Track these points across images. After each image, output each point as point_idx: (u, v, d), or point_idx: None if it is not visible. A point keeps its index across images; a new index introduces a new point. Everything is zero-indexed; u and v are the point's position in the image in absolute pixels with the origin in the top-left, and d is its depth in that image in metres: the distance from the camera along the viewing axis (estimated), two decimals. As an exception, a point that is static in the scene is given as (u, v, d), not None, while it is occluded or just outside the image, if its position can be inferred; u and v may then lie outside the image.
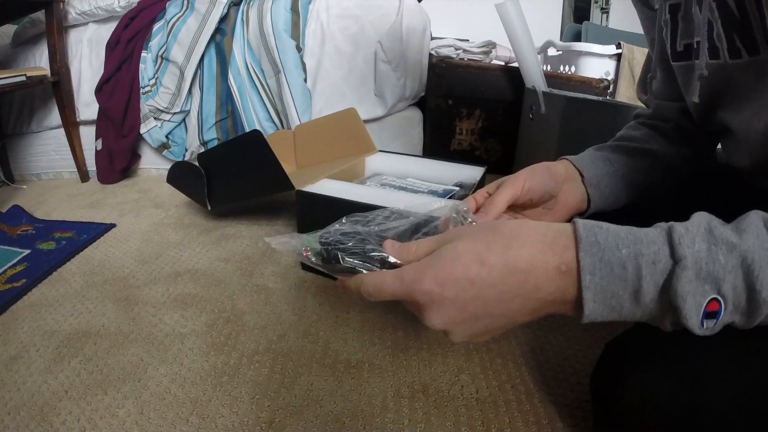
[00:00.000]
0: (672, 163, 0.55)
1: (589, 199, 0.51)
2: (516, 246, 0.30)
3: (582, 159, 0.53)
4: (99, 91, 1.26)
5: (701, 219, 0.29)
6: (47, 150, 1.36)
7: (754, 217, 0.29)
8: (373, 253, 0.36)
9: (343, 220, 0.41)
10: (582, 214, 0.52)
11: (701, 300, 0.28)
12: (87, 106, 1.30)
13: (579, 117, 1.04)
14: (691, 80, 0.46)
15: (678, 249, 0.28)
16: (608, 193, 0.53)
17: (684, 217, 0.31)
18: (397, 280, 0.33)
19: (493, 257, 0.30)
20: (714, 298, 0.28)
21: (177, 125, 1.33)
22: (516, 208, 0.50)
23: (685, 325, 0.28)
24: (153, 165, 1.39)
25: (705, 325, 0.28)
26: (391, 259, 0.35)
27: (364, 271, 0.36)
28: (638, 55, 1.57)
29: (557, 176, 0.50)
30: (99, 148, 1.29)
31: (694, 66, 0.45)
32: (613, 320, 0.30)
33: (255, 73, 1.26)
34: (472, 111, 1.37)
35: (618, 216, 0.43)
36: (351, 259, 0.37)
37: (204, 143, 1.33)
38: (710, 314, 0.28)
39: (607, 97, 1.31)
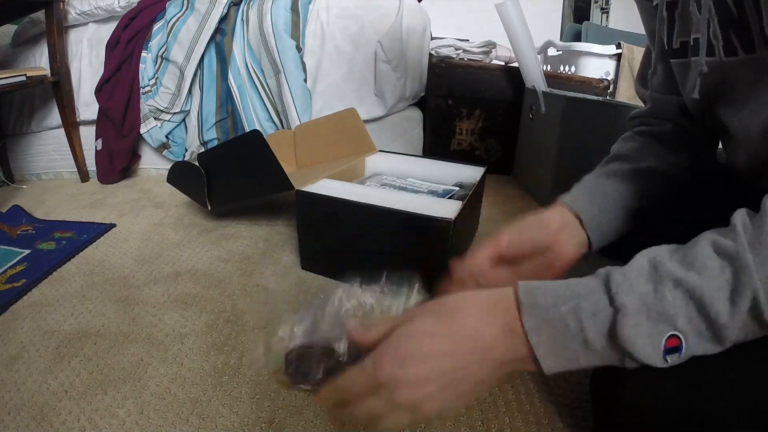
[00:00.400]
0: (670, 174, 0.53)
1: (590, 243, 0.49)
2: (460, 316, 0.32)
3: (578, 200, 0.51)
4: (99, 91, 1.26)
5: (643, 259, 0.30)
6: (47, 150, 1.36)
7: (704, 243, 0.30)
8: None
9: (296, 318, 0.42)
10: (585, 256, 0.50)
11: (658, 339, 0.29)
12: (87, 106, 1.30)
13: (579, 117, 1.04)
14: (688, 77, 0.46)
15: (616, 298, 0.29)
16: (608, 230, 0.51)
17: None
18: (362, 373, 0.33)
19: (442, 329, 0.32)
20: (672, 335, 0.29)
21: (177, 125, 1.33)
22: (511, 262, 0.49)
23: (645, 362, 0.30)
24: (153, 165, 1.39)
25: (669, 360, 0.30)
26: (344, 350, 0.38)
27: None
28: (638, 55, 1.57)
29: (550, 228, 0.48)
30: (99, 148, 1.29)
31: (691, 63, 0.45)
32: (577, 369, 0.31)
33: (255, 73, 1.26)
34: (472, 111, 1.37)
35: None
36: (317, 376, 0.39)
37: (204, 143, 1.33)
38: (672, 349, 0.29)
39: (607, 97, 1.31)
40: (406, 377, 0.32)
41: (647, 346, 0.29)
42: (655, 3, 0.48)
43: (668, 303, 0.28)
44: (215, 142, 1.33)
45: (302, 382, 0.40)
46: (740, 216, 0.30)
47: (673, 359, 0.29)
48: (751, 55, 0.37)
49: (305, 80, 1.24)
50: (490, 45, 1.43)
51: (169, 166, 1.10)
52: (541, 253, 0.48)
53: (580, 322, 0.30)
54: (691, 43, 0.44)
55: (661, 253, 0.31)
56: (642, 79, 0.59)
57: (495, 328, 0.32)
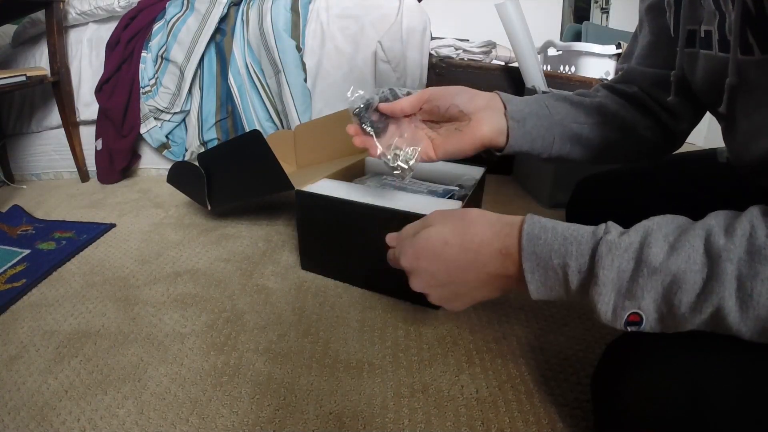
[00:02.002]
0: (628, 125, 0.56)
1: (509, 133, 0.54)
2: (471, 232, 0.39)
3: (512, 97, 0.57)
4: (99, 91, 1.26)
5: (639, 232, 0.33)
6: (47, 150, 1.36)
7: (699, 233, 0.31)
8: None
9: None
10: (501, 150, 0.56)
11: (621, 312, 0.33)
12: (87, 106, 1.30)
13: (579, 117, 1.04)
14: (695, 67, 0.46)
15: (596, 267, 0.33)
16: (535, 134, 0.55)
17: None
18: (391, 254, 0.46)
19: (454, 239, 0.39)
20: (635, 312, 0.32)
21: (177, 125, 1.33)
22: (433, 124, 0.58)
23: (604, 323, 0.34)
24: (153, 165, 1.39)
25: (629, 329, 0.33)
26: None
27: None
28: (638, 55, 1.57)
29: (476, 100, 0.55)
30: (99, 148, 1.29)
31: (699, 55, 0.44)
32: (564, 300, 0.37)
33: (255, 73, 1.26)
34: (472, 111, 1.37)
35: (622, 214, 0.43)
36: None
37: (204, 143, 1.33)
38: (633, 322, 0.33)
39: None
40: (419, 269, 0.41)
41: (608, 313, 0.33)
42: None
43: (639, 286, 0.31)
44: (215, 142, 1.33)
45: (362, 123, 0.58)
46: (752, 215, 0.30)
47: (632, 329, 0.33)
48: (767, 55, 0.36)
49: (305, 80, 1.24)
50: (490, 45, 1.43)
51: (169, 166, 1.10)
52: (458, 120, 0.55)
53: (566, 276, 0.34)
54: (702, 35, 0.43)
55: (658, 228, 0.32)
56: (625, 58, 0.61)
57: (493, 248, 0.38)
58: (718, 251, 0.29)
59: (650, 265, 0.31)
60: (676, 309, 0.30)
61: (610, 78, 1.47)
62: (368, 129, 0.57)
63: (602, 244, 0.33)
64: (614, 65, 1.60)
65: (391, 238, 0.47)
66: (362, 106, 0.57)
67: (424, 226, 0.42)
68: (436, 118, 0.57)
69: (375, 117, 0.57)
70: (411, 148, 0.56)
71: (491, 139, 0.54)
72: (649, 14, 0.55)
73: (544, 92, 1.14)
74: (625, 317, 0.33)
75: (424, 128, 0.58)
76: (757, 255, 0.28)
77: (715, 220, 0.31)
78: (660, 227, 0.32)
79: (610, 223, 0.35)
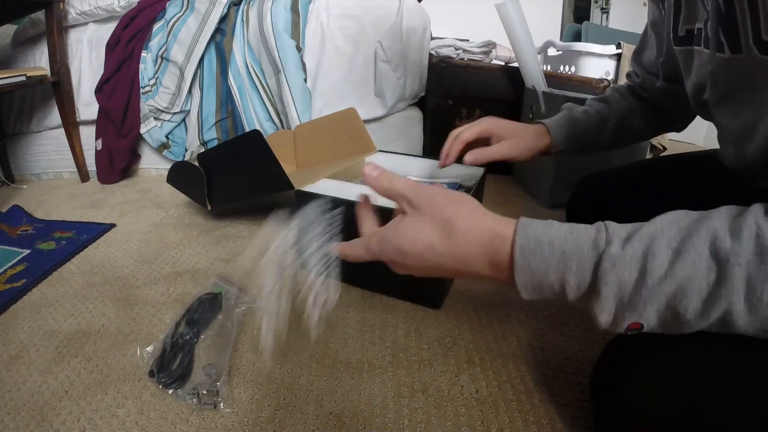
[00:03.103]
0: (625, 112, 0.66)
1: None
2: (459, 245, 0.36)
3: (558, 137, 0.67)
4: (99, 91, 1.26)
5: (642, 240, 0.31)
6: (47, 150, 1.36)
7: (704, 236, 0.29)
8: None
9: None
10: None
11: (621, 322, 0.32)
12: (87, 106, 1.30)
13: (579, 117, 1.04)
14: (690, 66, 0.46)
15: (597, 284, 0.31)
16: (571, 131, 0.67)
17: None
18: (366, 251, 0.41)
19: (441, 248, 0.36)
20: (635, 322, 0.31)
21: (177, 125, 1.33)
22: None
23: (602, 329, 0.33)
24: (153, 165, 1.39)
25: (630, 333, 0.32)
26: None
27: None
28: (638, 55, 1.57)
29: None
30: (99, 148, 1.29)
31: (694, 52, 0.45)
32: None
33: (255, 73, 1.26)
34: (472, 111, 1.37)
35: (623, 213, 0.43)
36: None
37: (204, 143, 1.33)
38: (633, 329, 0.32)
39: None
40: (404, 264, 0.38)
41: (609, 322, 0.32)
42: None
43: (641, 298, 0.30)
44: (215, 142, 1.33)
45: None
46: (756, 215, 0.29)
47: (633, 332, 0.32)
48: (737, 54, 0.37)
49: (305, 80, 1.24)
50: (490, 45, 1.43)
51: (169, 166, 1.10)
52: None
53: (564, 290, 0.33)
54: (695, 33, 0.44)
55: (661, 233, 0.31)
56: (637, 56, 0.67)
57: (484, 261, 0.36)
58: (726, 255, 0.28)
59: (654, 277, 0.30)
60: (681, 316, 0.30)
61: (610, 78, 1.47)
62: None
63: (605, 260, 0.31)
64: (614, 65, 1.60)
65: (372, 178, 0.42)
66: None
67: (410, 210, 0.38)
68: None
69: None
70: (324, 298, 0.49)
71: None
72: (654, 30, 0.58)
73: (544, 92, 1.14)
74: (626, 326, 0.32)
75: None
76: (767, 256, 0.27)
77: (719, 222, 0.30)
78: (662, 232, 0.31)
79: (610, 228, 0.32)
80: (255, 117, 1.27)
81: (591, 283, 0.32)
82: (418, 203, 0.38)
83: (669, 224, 0.31)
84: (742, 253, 0.28)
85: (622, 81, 1.61)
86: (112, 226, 1.00)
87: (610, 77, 1.58)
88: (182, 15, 1.26)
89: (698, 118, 0.57)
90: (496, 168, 1.44)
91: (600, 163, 0.78)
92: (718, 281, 0.28)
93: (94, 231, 0.96)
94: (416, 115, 1.40)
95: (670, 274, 0.29)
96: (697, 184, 0.58)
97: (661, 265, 0.29)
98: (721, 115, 0.43)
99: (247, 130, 1.26)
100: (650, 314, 0.31)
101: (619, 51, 1.58)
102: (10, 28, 1.38)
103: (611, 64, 1.60)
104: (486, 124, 0.68)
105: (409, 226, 0.38)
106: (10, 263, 0.83)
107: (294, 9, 1.24)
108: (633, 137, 0.69)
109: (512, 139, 0.67)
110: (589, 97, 0.78)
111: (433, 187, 0.39)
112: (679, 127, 0.68)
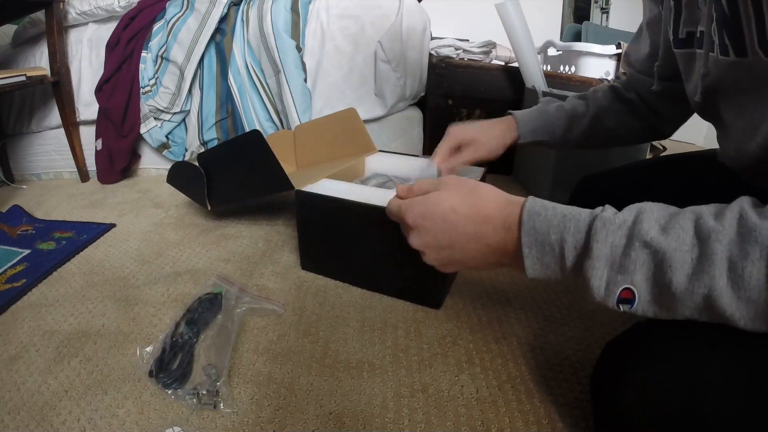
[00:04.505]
0: (619, 132, 0.67)
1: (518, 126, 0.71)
2: (479, 204, 0.41)
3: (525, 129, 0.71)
4: (99, 91, 1.26)
5: (631, 213, 0.34)
6: (47, 150, 1.36)
7: (689, 215, 0.31)
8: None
9: None
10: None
11: (613, 287, 0.33)
12: (87, 106, 1.30)
13: (579, 117, 1.04)
14: (691, 68, 0.46)
15: (591, 241, 0.34)
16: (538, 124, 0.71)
17: None
18: (398, 207, 0.46)
19: (462, 208, 0.41)
20: (627, 288, 0.33)
21: (177, 125, 1.33)
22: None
23: (599, 302, 0.34)
24: (153, 165, 1.39)
25: (621, 308, 0.34)
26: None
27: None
28: (638, 55, 1.57)
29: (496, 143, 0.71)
30: (99, 148, 1.29)
31: (696, 55, 0.45)
32: (557, 281, 0.38)
33: (255, 73, 1.26)
34: (472, 111, 1.37)
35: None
36: None
37: (204, 143, 1.33)
38: (625, 300, 0.33)
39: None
40: (423, 227, 0.43)
41: (601, 289, 0.34)
42: None
43: (631, 260, 0.32)
44: (215, 142, 1.33)
45: None
46: (741, 203, 0.30)
47: (625, 308, 0.33)
48: (742, 58, 0.36)
49: (305, 80, 1.24)
50: (490, 45, 1.43)
51: (169, 166, 1.10)
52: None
53: (563, 251, 0.35)
54: (698, 35, 0.44)
55: (650, 210, 0.33)
56: (626, 57, 0.68)
57: (497, 224, 0.39)
58: (708, 232, 0.29)
59: (641, 239, 0.32)
60: (668, 289, 0.31)
61: (610, 78, 1.48)
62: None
63: (597, 220, 0.34)
64: (614, 65, 1.60)
65: (402, 189, 0.48)
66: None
67: (437, 188, 0.44)
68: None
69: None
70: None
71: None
72: (650, 28, 0.57)
73: (544, 92, 1.14)
74: (618, 293, 0.33)
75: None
76: (748, 236, 0.28)
77: (706, 207, 0.32)
78: (652, 211, 0.33)
79: (608, 206, 0.36)
80: (255, 117, 1.27)
81: (585, 243, 0.34)
82: (444, 181, 0.44)
83: (658, 207, 0.34)
84: (723, 232, 0.29)
85: (622, 81, 1.62)
86: (112, 226, 1.00)
87: (610, 77, 1.58)
88: (182, 15, 1.26)
89: (698, 118, 0.57)
90: (496, 168, 1.44)
91: (600, 163, 0.79)
92: (700, 257, 0.29)
93: (94, 231, 0.96)
94: (416, 115, 1.40)
95: (657, 242, 0.31)
96: (697, 184, 0.58)
97: (647, 232, 0.32)
98: (724, 114, 0.43)
99: (247, 130, 1.26)
100: (639, 280, 0.32)
101: (619, 51, 1.58)
102: (10, 28, 1.38)
103: (611, 64, 1.60)
104: (452, 136, 0.71)
105: (434, 195, 0.43)
106: (10, 263, 0.83)
107: (294, 9, 1.24)
108: (609, 137, 0.69)
109: (479, 142, 0.70)
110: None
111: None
112: (667, 131, 0.68)
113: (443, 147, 0.71)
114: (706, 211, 0.31)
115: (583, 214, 0.35)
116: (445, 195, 0.42)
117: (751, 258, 0.28)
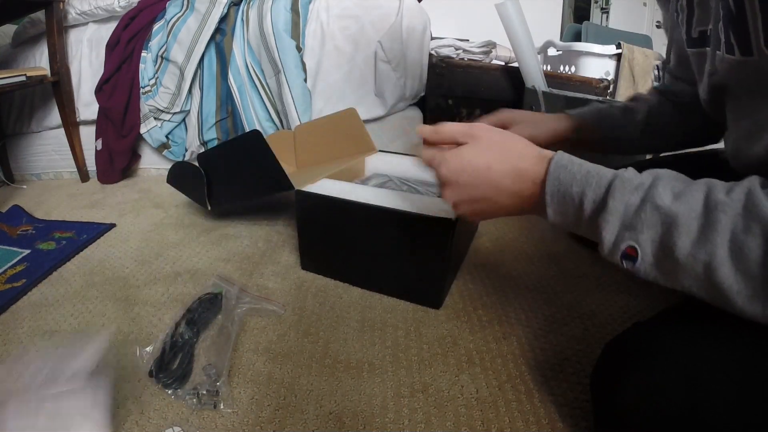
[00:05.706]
0: (654, 109, 0.66)
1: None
2: (513, 162, 0.43)
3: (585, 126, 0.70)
4: (99, 91, 1.26)
5: (651, 175, 0.35)
6: (47, 150, 1.36)
7: (701, 186, 0.33)
8: None
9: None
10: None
11: (620, 243, 0.35)
12: (87, 106, 1.30)
13: (579, 117, 1.04)
14: (703, 67, 0.46)
15: (608, 197, 0.36)
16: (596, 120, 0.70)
17: None
18: (431, 157, 0.48)
19: (497, 165, 0.43)
20: (632, 246, 0.34)
21: (177, 125, 1.33)
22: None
23: (606, 255, 0.37)
24: (153, 165, 1.39)
25: (625, 265, 0.35)
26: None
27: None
28: (638, 55, 1.57)
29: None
30: (99, 148, 1.29)
31: (707, 54, 0.44)
32: (573, 230, 0.41)
33: (255, 73, 1.26)
34: (472, 111, 1.37)
35: None
36: None
37: (204, 143, 1.33)
38: (629, 256, 0.35)
39: (607, 97, 1.31)
40: (459, 182, 0.45)
41: (609, 243, 0.36)
42: None
43: (641, 219, 0.34)
44: (215, 142, 1.33)
45: None
46: (752, 181, 0.31)
47: (628, 265, 0.35)
48: (748, 57, 0.36)
49: (305, 80, 1.24)
50: (490, 45, 1.43)
51: (169, 166, 1.10)
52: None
53: (582, 203, 0.38)
54: (708, 34, 0.44)
55: (667, 177, 0.35)
56: (663, 63, 0.70)
57: (528, 177, 0.42)
58: (715, 203, 0.31)
59: (654, 202, 0.33)
60: (672, 252, 0.32)
61: (610, 78, 1.48)
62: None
63: (617, 179, 0.36)
64: (614, 65, 1.60)
65: (428, 131, 0.49)
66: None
67: (467, 138, 0.46)
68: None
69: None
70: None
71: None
72: (668, 33, 0.58)
73: (544, 92, 1.14)
74: (623, 249, 0.35)
75: None
76: (752, 213, 0.29)
77: (719, 181, 0.33)
78: (669, 178, 0.35)
79: (630, 167, 0.37)
80: (255, 117, 1.27)
81: (603, 198, 0.36)
82: (475, 134, 0.45)
83: (675, 175, 0.35)
84: (730, 205, 0.30)
85: (623, 81, 1.62)
86: (112, 226, 1.00)
87: (610, 77, 1.58)
88: (182, 15, 1.26)
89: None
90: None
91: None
92: (705, 225, 0.31)
93: (94, 231, 0.96)
94: (416, 115, 1.40)
95: (668, 206, 0.32)
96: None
97: (661, 196, 0.33)
98: (730, 113, 0.43)
99: (247, 130, 1.26)
100: (645, 239, 0.34)
101: (619, 51, 1.59)
102: (10, 28, 1.38)
103: (611, 64, 1.60)
104: (504, 113, 0.70)
105: (467, 151, 0.45)
106: (10, 263, 0.83)
107: (294, 9, 1.24)
108: (667, 139, 0.68)
109: (525, 122, 0.69)
110: (590, 97, 0.78)
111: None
112: (716, 135, 0.64)
113: (485, 119, 0.69)
114: (719, 184, 0.32)
115: (606, 172, 0.38)
116: (479, 151, 0.44)
117: (752, 233, 0.28)
